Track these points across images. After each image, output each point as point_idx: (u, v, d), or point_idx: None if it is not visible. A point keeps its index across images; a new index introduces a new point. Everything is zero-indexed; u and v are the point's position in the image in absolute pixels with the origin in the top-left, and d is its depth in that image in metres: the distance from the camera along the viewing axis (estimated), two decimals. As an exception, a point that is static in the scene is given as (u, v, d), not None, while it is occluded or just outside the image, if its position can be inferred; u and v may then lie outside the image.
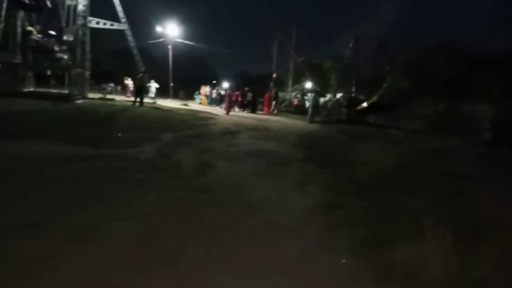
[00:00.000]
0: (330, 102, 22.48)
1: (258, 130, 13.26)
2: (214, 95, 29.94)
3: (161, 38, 31.43)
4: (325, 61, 40.10)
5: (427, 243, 3.47)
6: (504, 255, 3.48)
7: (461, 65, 21.09)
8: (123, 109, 16.66)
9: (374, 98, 19.76)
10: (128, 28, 20.90)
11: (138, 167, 6.41)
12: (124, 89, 29.93)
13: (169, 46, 29.99)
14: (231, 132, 12.24)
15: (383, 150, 10.10)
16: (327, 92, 35.46)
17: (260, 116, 21.62)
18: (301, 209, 4.91)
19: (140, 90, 18.19)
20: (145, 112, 16.01)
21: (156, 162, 6.92)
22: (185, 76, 40.15)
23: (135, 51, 21.13)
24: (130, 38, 21.10)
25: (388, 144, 11.64)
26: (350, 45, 21.00)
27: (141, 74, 19.08)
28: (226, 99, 22.13)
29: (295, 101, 29.44)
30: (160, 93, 28.98)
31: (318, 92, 24.40)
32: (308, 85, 33.93)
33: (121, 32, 21.19)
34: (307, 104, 23.51)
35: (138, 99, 18.11)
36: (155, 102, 21.71)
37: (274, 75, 29.65)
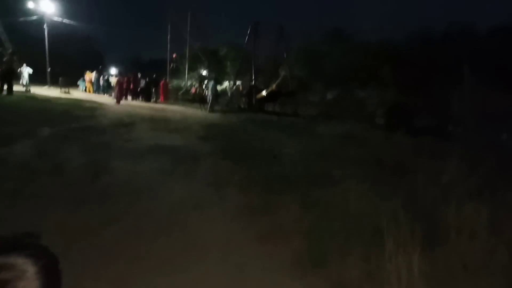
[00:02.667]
0: (230, 91, 21.89)
1: (156, 121, 11.98)
2: (101, 81, 27.03)
3: (34, 16, 27.03)
4: (221, 48, 39.47)
5: (382, 256, 2.97)
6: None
7: (352, 54, 22.43)
8: (-15, 98, 13.68)
9: (273, 86, 19.77)
10: (-13, 0, 17.20)
11: (6, 173, 4.86)
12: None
13: (44, 25, 25.96)
14: (125, 124, 10.78)
15: (292, 139, 9.83)
16: (223, 79, 34.99)
17: (156, 106, 20.04)
18: (222, 217, 4.11)
19: (8, 76, 15.13)
20: (15, 102, 13.31)
21: (32, 165, 5.34)
22: (67, 59, 35.52)
23: (0, 29, 17.52)
24: (-9, 13, 17.44)
25: (294, 132, 11.50)
26: (248, 31, 20.61)
27: (8, 57, 15.92)
28: (116, 87, 19.97)
29: (193, 89, 28.26)
30: (36, 79, 25.02)
31: (218, 79, 23.71)
32: (205, 72, 33.01)
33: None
34: (206, 92, 22.67)
35: (5, 87, 15.08)
36: (28, 90, 18.51)
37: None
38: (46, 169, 5.16)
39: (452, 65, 17.23)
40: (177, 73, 36.44)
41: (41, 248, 0.84)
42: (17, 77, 19.50)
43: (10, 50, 17.28)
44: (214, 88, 19.37)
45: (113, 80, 25.16)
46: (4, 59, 15.48)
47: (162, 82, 24.25)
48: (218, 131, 10.87)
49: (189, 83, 30.66)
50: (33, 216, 3.54)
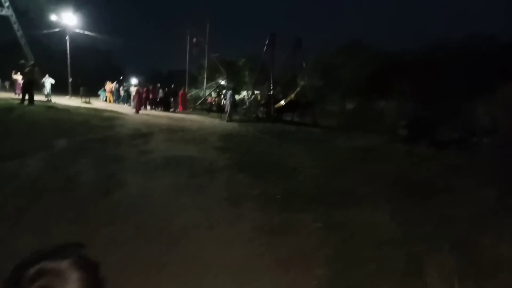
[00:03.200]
0: (248, 100, 21.72)
1: (174, 132, 11.82)
2: (121, 92, 27.30)
3: (56, 28, 27.63)
4: (239, 59, 39.59)
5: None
6: None
7: (371, 64, 22.03)
8: (7, 108, 13.84)
9: (292, 96, 19.49)
10: (12, 14, 17.57)
11: (15, 189, 4.71)
12: (12, 85, 25.63)
13: (67, 37, 26.49)
14: (143, 134, 10.65)
15: (311, 152, 9.48)
16: (241, 89, 34.95)
17: (175, 115, 19.99)
18: (238, 239, 3.83)
19: (29, 86, 15.31)
20: (35, 112, 13.42)
21: (42, 180, 5.20)
22: (87, 71, 36.18)
23: (23, 41, 17.88)
24: (16, 26, 17.77)
25: (313, 144, 11.16)
26: (266, 42, 20.45)
27: (29, 68, 16.15)
28: (136, 96, 20.02)
29: (209, 99, 28.23)
30: (58, 90, 25.49)
31: (236, 89, 23.63)
32: (223, 82, 33.04)
33: (5, 19, 17.72)
34: (224, 101, 22.56)
35: (27, 97, 15.26)
36: (49, 100, 18.75)
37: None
38: (56, 185, 4.99)
39: (473, 75, 16.67)
40: (195, 83, 36.66)
41: (82, 256, 0.76)
42: (38, 87, 19.84)
43: (31, 62, 17.59)
44: (232, 98, 19.23)
45: (133, 90, 25.39)
46: (26, 70, 15.70)
47: (181, 92, 24.30)
48: (235, 142, 10.62)
49: (207, 92, 30.68)
50: (34, 237, 3.33)
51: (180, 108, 23.65)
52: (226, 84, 31.58)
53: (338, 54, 27.91)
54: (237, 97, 26.01)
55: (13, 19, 17.85)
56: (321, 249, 3.58)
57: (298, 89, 19.65)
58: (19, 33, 17.97)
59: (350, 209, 4.63)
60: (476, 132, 13.29)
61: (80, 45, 34.00)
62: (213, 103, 27.12)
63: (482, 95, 12.87)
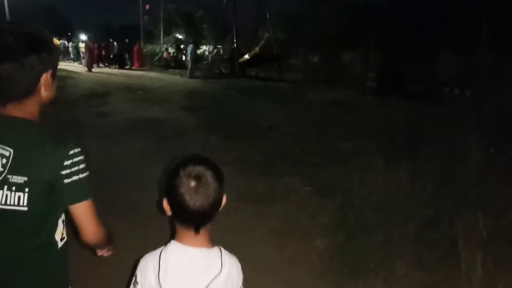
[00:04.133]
0: (211, 55, 20.62)
1: (133, 91, 10.93)
2: (70, 49, 25.17)
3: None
4: (197, 11, 37.46)
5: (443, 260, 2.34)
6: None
7: (336, 15, 21.35)
8: None
9: (256, 49, 18.63)
10: None
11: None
12: None
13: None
14: (99, 94, 9.75)
15: (283, 108, 9.04)
16: (200, 44, 33.35)
17: (131, 72, 18.68)
18: (225, 210, 3.39)
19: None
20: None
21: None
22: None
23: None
24: None
25: (284, 100, 10.70)
26: (228, -10, 19.16)
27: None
28: (87, 53, 18.44)
29: (165, 54, 26.64)
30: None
31: (197, 44, 22.37)
32: (180, 36, 31.27)
33: None
34: (184, 57, 21.40)
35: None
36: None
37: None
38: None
39: (444, 25, 16.57)
40: (150, 38, 34.51)
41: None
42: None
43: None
44: (193, 53, 18.14)
45: (83, 47, 23.45)
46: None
47: (136, 48, 22.69)
48: (202, 100, 9.97)
49: (164, 47, 28.95)
50: None
51: (136, 65, 22.19)
52: (183, 39, 29.94)
53: (302, 4, 26.91)
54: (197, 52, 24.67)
55: None
56: (317, 217, 3.24)
57: (262, 42, 18.78)
58: None
59: (339, 168, 4.30)
60: (447, 84, 13.35)
61: (22, 1, 30.68)
62: (170, 59, 25.65)
63: (451, 46, 12.79)
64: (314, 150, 5.19)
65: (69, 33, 41.17)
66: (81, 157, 1.03)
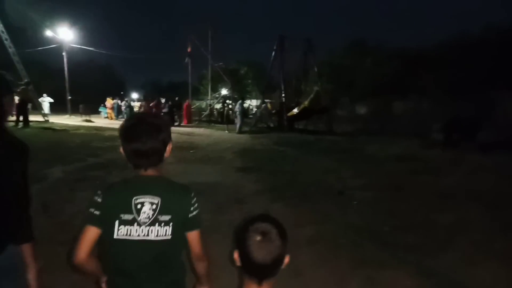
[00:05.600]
0: (259, 110, 20.38)
1: (184, 149, 10.54)
2: (123, 107, 26.10)
3: (53, 44, 26.52)
4: (241, 66, 38.48)
5: None
6: None
7: (386, 63, 20.76)
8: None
9: (306, 103, 18.15)
10: (3, 30, 16.41)
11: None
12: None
13: (63, 53, 25.36)
14: (150, 155, 9.38)
15: (346, 166, 8.19)
16: (244, 98, 33.81)
17: (181, 129, 18.69)
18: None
19: (23, 107, 14.09)
20: (29, 134, 12.16)
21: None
22: (87, 87, 34.97)
23: (15, 59, 16.65)
24: (7, 43, 16.59)
25: (342, 155, 9.86)
26: (275, 46, 19.21)
27: (22, 87, 14.95)
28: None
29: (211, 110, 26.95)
30: (57, 108, 24.36)
31: (243, 99, 22.41)
32: (224, 91, 31.85)
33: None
34: (230, 112, 21.35)
35: (21, 118, 14.08)
36: (47, 120, 17.54)
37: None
38: (48, 232, 3.68)
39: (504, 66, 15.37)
40: (197, 94, 35.45)
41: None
42: (35, 107, 18.69)
43: (25, 80, 16.39)
44: (241, 109, 17.97)
45: (136, 105, 24.27)
46: (19, 89, 14.49)
47: (185, 104, 23.07)
48: (255, 159, 9.32)
49: (212, 104, 29.44)
50: None
51: (184, 121, 22.43)
52: (229, 94, 30.40)
53: (345, 55, 26.66)
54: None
55: (4, 35, 16.62)
56: None
57: (312, 95, 18.30)
58: (11, 50, 16.69)
59: (451, 254, 3.33)
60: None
61: (79, 60, 32.97)
62: (214, 113, 25.87)
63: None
64: (405, 226, 4.22)
65: (121, 92, 43.52)
66: (196, 198, 1.49)
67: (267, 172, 7.53)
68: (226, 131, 17.54)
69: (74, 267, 1.37)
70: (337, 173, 7.39)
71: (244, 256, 1.08)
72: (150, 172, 1.43)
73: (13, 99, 1.71)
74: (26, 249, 1.55)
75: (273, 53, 19.35)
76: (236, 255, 1.12)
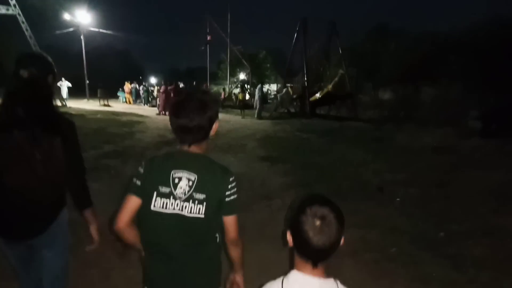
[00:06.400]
0: (279, 94, 19.65)
1: (203, 136, 10.03)
2: (141, 92, 25.79)
3: (70, 28, 26.18)
4: (259, 51, 37.56)
5: None
6: None
7: (412, 49, 19.64)
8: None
9: (329, 87, 17.32)
10: (20, 12, 16.06)
11: None
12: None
13: (81, 36, 25.02)
14: (169, 142, 8.90)
15: (379, 157, 7.53)
16: (263, 83, 33.12)
17: (199, 115, 18.18)
18: None
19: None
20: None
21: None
22: (105, 71, 34.80)
23: (32, 41, 16.35)
24: (24, 26, 16.28)
25: (373, 145, 9.18)
26: (297, 28, 18.35)
27: (40, 70, 14.67)
28: (162, 96, 18.15)
29: (222, 95, 26.31)
30: (75, 93, 24.21)
31: (263, 84, 21.69)
32: (242, 76, 31.15)
33: (12, 19, 16.12)
34: (250, 97, 20.74)
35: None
36: (64, 105, 17.32)
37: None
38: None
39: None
40: (214, 79, 34.86)
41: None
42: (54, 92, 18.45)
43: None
44: (261, 93, 17.31)
45: (156, 89, 23.95)
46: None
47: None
48: (279, 148, 8.75)
49: (231, 88, 28.82)
50: None
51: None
52: (248, 79, 29.71)
53: (369, 39, 25.53)
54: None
55: (21, 18, 16.32)
56: None
57: (336, 79, 17.46)
58: (27, 33, 16.41)
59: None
60: None
61: (96, 45, 32.73)
62: (232, 98, 25.30)
63: None
64: (465, 231, 3.61)
65: (140, 77, 43.30)
66: (235, 182, 1.42)
67: (294, 163, 6.94)
68: (241, 117, 16.96)
69: (114, 233, 1.40)
70: (371, 165, 6.75)
71: (300, 239, 1.06)
72: (194, 148, 1.42)
73: (55, 79, 1.82)
74: (88, 213, 1.84)
75: (295, 36, 18.53)
76: (289, 236, 1.12)
